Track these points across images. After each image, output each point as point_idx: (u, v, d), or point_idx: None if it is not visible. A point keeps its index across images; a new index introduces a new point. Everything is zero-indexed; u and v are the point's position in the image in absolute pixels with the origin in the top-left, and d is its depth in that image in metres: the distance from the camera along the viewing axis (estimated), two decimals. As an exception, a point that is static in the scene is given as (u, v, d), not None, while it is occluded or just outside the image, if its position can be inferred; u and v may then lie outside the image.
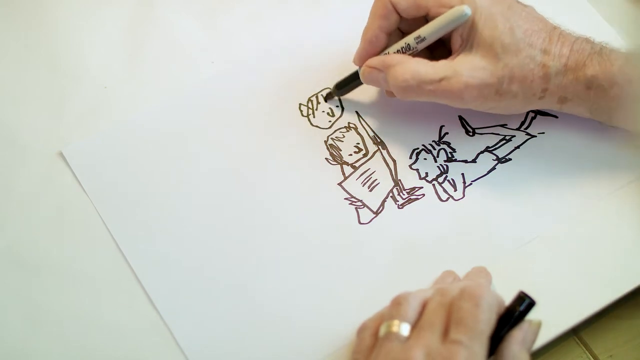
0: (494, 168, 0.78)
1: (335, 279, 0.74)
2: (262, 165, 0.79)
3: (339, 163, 0.79)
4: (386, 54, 0.77)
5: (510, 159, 0.78)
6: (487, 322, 0.63)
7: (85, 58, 0.84)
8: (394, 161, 0.79)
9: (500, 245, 0.75)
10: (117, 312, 0.73)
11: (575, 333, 0.73)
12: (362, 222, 0.76)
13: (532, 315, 0.65)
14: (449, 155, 0.79)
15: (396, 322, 0.65)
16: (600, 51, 0.73)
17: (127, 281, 0.74)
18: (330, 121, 0.81)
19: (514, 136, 0.79)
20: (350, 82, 0.80)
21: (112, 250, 0.76)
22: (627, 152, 0.77)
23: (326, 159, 0.79)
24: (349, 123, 0.81)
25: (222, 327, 0.73)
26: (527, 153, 0.78)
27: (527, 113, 0.80)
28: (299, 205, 0.77)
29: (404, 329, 0.65)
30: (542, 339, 0.70)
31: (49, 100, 0.82)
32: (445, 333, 0.64)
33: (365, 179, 0.78)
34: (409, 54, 0.76)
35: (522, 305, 0.65)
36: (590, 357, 0.73)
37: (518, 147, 0.79)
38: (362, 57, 0.77)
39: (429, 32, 0.75)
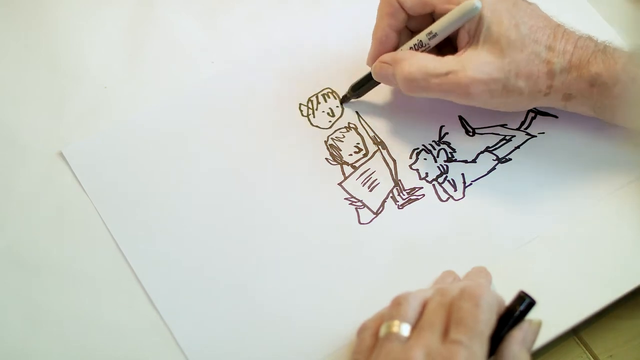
0: (494, 168, 0.78)
1: (335, 279, 0.74)
2: (262, 165, 0.79)
3: (339, 163, 0.79)
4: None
5: (510, 159, 0.78)
6: (487, 322, 0.63)
7: (85, 58, 0.84)
8: (394, 161, 0.79)
9: (500, 245, 0.75)
10: (117, 312, 0.73)
11: (575, 333, 0.73)
12: (362, 222, 0.76)
13: (532, 315, 0.65)
14: (449, 155, 0.79)
15: (396, 322, 0.65)
16: (604, 49, 0.74)
17: (127, 281, 0.74)
18: (330, 121, 0.81)
19: (514, 136, 0.79)
20: (365, 82, 0.80)
21: (112, 250, 0.76)
22: (628, 150, 0.77)
23: (326, 159, 0.79)
24: (349, 123, 0.81)
25: (222, 327, 0.73)
26: (527, 153, 0.78)
27: (527, 113, 0.80)
28: (299, 205, 0.77)
29: (404, 329, 0.65)
30: (542, 339, 0.70)
31: (49, 100, 0.82)
32: (446, 333, 0.64)
33: (365, 179, 0.78)
34: (422, 51, 0.76)
35: (522, 305, 0.65)
36: (590, 357, 0.73)
37: (518, 147, 0.79)
38: (374, 56, 0.78)
39: (440, 27, 0.75)
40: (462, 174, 0.78)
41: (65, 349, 0.72)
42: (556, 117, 0.79)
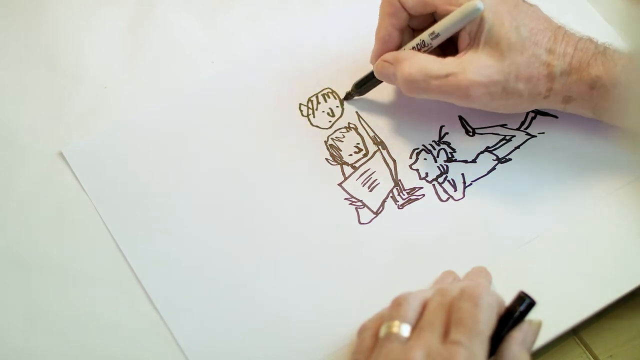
0: (494, 168, 0.78)
1: (335, 279, 0.74)
2: (262, 165, 0.79)
3: (339, 163, 0.79)
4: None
5: (510, 159, 0.78)
6: (487, 322, 0.63)
7: (85, 58, 0.84)
8: (394, 161, 0.79)
9: (500, 245, 0.75)
10: (117, 312, 0.73)
11: (575, 333, 0.73)
12: (362, 222, 0.76)
13: (532, 315, 0.65)
14: (449, 155, 0.79)
15: (396, 322, 0.65)
16: (604, 51, 0.74)
17: (127, 281, 0.74)
18: (330, 121, 0.81)
19: (514, 136, 0.79)
20: (368, 80, 0.80)
21: (112, 250, 0.76)
22: (627, 152, 0.77)
23: (326, 159, 0.79)
24: (349, 123, 0.81)
25: (222, 327, 0.73)
26: (527, 153, 0.78)
27: (527, 113, 0.80)
28: (299, 205, 0.77)
29: (404, 330, 0.65)
30: (542, 339, 0.70)
31: (49, 100, 0.82)
32: (446, 333, 0.64)
33: (365, 179, 0.78)
34: (424, 51, 0.76)
35: (522, 306, 0.65)
36: (590, 357, 0.73)
37: (518, 147, 0.79)
38: (377, 55, 0.78)
39: (443, 28, 0.75)
40: (462, 174, 0.78)
41: (65, 349, 0.72)
42: (556, 117, 0.79)
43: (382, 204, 0.77)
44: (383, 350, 0.65)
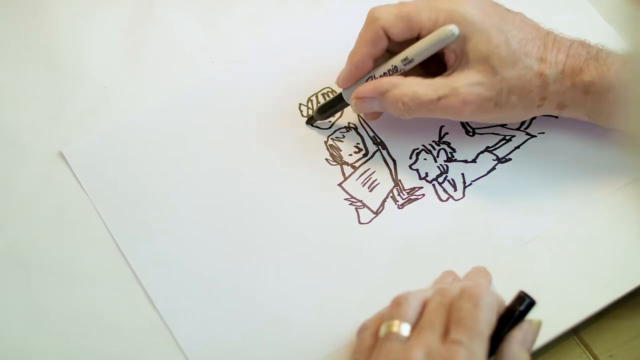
0: (494, 168, 0.78)
1: (335, 279, 0.74)
2: (262, 165, 0.79)
3: (339, 163, 0.79)
4: (372, 77, 0.76)
5: (510, 159, 0.78)
6: (486, 322, 0.63)
7: (85, 58, 0.84)
8: (394, 161, 0.79)
9: (500, 245, 0.75)
10: (117, 312, 0.73)
11: (575, 333, 0.73)
12: (362, 222, 0.76)
13: (532, 315, 0.65)
14: (449, 155, 0.79)
15: (396, 322, 0.65)
16: (596, 55, 0.73)
17: (127, 281, 0.74)
18: (330, 121, 0.81)
19: (514, 136, 0.79)
20: (335, 105, 0.79)
21: (112, 250, 0.76)
22: (626, 154, 0.77)
23: (326, 159, 0.79)
24: (349, 123, 0.81)
25: (222, 327, 0.73)
26: (527, 153, 0.78)
27: (527, 113, 0.80)
28: (299, 206, 0.77)
29: (404, 329, 0.65)
30: (542, 339, 0.70)
31: (49, 100, 0.82)
32: (446, 333, 0.64)
33: (365, 179, 0.78)
34: (397, 75, 0.75)
35: (522, 305, 0.65)
36: (590, 357, 0.73)
37: (518, 147, 0.79)
38: (347, 80, 0.76)
39: (416, 53, 0.74)
40: (462, 174, 0.78)
41: (65, 349, 0.72)
42: (556, 117, 0.79)
43: (382, 204, 0.77)
44: (383, 350, 0.65)
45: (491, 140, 0.79)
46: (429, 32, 0.73)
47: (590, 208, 0.76)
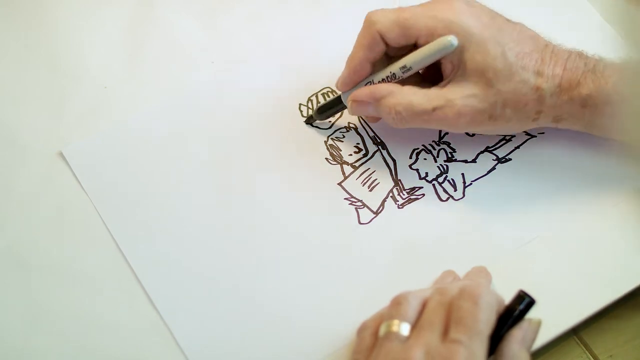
0: (494, 168, 0.78)
1: (335, 279, 0.74)
2: (262, 165, 0.79)
3: (339, 163, 0.79)
4: (370, 82, 0.76)
5: (510, 159, 0.78)
6: (486, 321, 0.63)
7: (85, 58, 0.84)
8: (394, 161, 0.79)
9: (500, 245, 0.75)
10: (117, 312, 0.73)
11: (575, 333, 0.73)
12: (362, 222, 0.76)
13: (532, 314, 0.65)
14: (449, 155, 0.79)
15: (396, 321, 0.65)
16: (593, 68, 0.73)
17: (127, 281, 0.74)
18: (330, 121, 0.81)
19: (514, 136, 0.79)
20: (333, 106, 0.79)
21: (112, 250, 0.76)
22: (625, 163, 0.77)
23: (326, 159, 0.79)
24: (349, 123, 0.81)
25: (222, 327, 0.73)
26: (527, 153, 0.78)
27: (527, 113, 0.79)
28: (299, 205, 0.77)
29: (404, 329, 0.65)
30: (542, 339, 0.70)
31: (49, 100, 0.82)
32: (445, 332, 0.64)
33: (365, 179, 0.78)
34: (394, 82, 0.75)
35: (521, 304, 0.65)
36: (590, 357, 0.73)
37: (518, 147, 0.79)
38: (346, 83, 0.77)
39: (414, 61, 0.74)
40: (462, 174, 0.78)
41: (65, 349, 0.72)
42: (553, 124, 0.79)
43: (382, 204, 0.77)
44: (383, 350, 0.65)
45: (491, 140, 0.79)
46: (426, 41, 0.73)
47: (591, 208, 0.76)
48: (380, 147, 0.79)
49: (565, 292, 0.73)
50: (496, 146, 0.79)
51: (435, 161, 0.79)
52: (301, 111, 0.81)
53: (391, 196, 0.77)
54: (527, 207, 0.76)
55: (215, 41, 0.84)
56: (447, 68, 0.74)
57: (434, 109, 0.73)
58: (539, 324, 0.66)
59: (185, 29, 0.85)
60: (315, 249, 0.75)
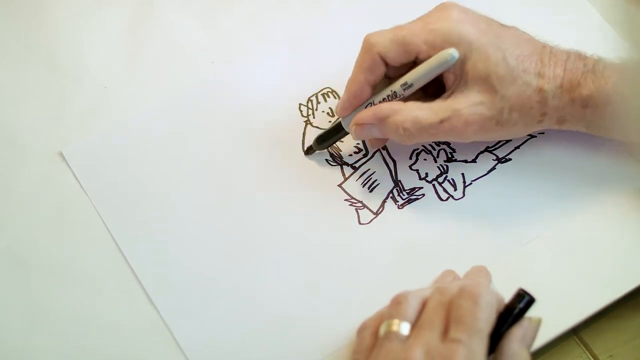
0: (494, 168, 0.78)
1: (335, 279, 0.74)
2: (262, 165, 0.79)
3: (339, 164, 0.79)
4: (371, 103, 0.75)
5: (510, 159, 0.78)
6: (486, 320, 0.63)
7: (85, 58, 0.84)
8: (394, 161, 0.79)
9: (500, 245, 0.75)
10: (117, 312, 0.73)
11: (575, 333, 0.73)
12: (362, 222, 0.76)
13: (532, 313, 0.65)
14: (449, 156, 0.79)
15: (396, 321, 0.65)
16: (593, 68, 0.73)
17: (127, 281, 0.74)
18: (330, 121, 0.81)
19: (514, 136, 0.79)
20: (334, 134, 0.78)
21: (112, 250, 0.76)
22: (625, 163, 0.77)
23: (326, 159, 0.79)
24: (349, 123, 0.81)
25: (222, 327, 0.73)
26: (527, 153, 0.78)
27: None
28: (299, 206, 0.77)
29: (404, 328, 0.65)
30: (542, 338, 0.70)
31: (49, 100, 0.82)
32: (445, 332, 0.64)
33: (365, 179, 0.78)
34: (396, 101, 0.74)
35: (521, 303, 0.65)
36: (590, 357, 0.73)
37: (518, 147, 0.79)
38: (346, 108, 0.76)
39: (415, 78, 0.73)
40: (462, 174, 0.78)
41: (65, 349, 0.72)
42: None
43: (382, 204, 0.77)
44: (383, 349, 0.65)
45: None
46: (427, 55, 0.72)
47: (590, 207, 0.76)
48: (380, 147, 0.79)
49: (565, 292, 0.73)
50: (496, 146, 0.79)
51: (435, 161, 0.78)
52: (301, 111, 0.81)
53: (391, 197, 0.77)
54: (527, 207, 0.76)
55: (215, 41, 0.84)
56: (449, 79, 0.73)
57: (442, 121, 0.72)
58: (539, 322, 0.66)
59: (185, 29, 0.85)
60: (315, 249, 0.75)
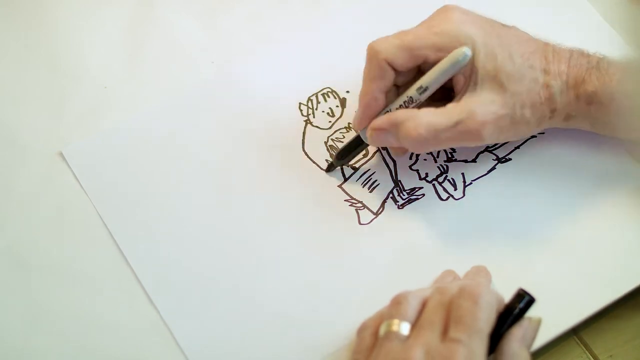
0: (494, 168, 0.78)
1: (335, 279, 0.74)
2: (262, 165, 0.79)
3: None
4: (388, 111, 0.74)
5: (510, 159, 0.78)
6: (486, 320, 0.64)
7: (85, 58, 0.84)
8: (394, 162, 0.79)
9: (500, 245, 0.75)
10: (117, 312, 0.73)
11: (575, 333, 0.73)
12: (362, 222, 0.76)
13: (532, 313, 0.65)
14: (449, 155, 0.79)
15: (396, 321, 0.65)
16: (597, 65, 0.73)
17: (127, 281, 0.74)
18: (330, 121, 0.81)
19: (514, 136, 0.79)
20: (353, 149, 0.77)
21: (112, 250, 0.76)
22: (626, 161, 0.77)
23: (326, 160, 0.79)
24: (348, 123, 0.81)
25: (222, 327, 0.73)
26: (527, 153, 0.78)
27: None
28: (299, 206, 0.77)
29: (404, 328, 0.65)
30: (542, 338, 0.70)
31: (49, 100, 0.82)
32: (445, 332, 0.64)
33: (365, 179, 0.78)
34: (413, 107, 0.73)
35: (521, 303, 0.65)
36: (590, 357, 0.73)
37: (518, 147, 0.79)
38: (363, 120, 0.75)
39: (431, 80, 0.72)
40: (462, 174, 0.78)
41: (65, 349, 0.72)
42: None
43: (382, 205, 0.77)
44: (383, 349, 0.65)
45: (491, 140, 0.79)
46: (436, 58, 0.72)
47: (591, 207, 0.76)
48: (380, 148, 0.79)
49: (565, 292, 0.73)
50: (496, 146, 0.79)
51: (435, 161, 0.78)
52: (301, 111, 0.81)
53: (391, 197, 0.77)
54: (527, 207, 0.76)
55: (215, 41, 0.84)
56: (459, 81, 0.73)
57: (456, 124, 0.71)
58: (539, 322, 0.66)
59: (185, 29, 0.85)
60: (315, 249, 0.75)
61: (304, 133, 0.80)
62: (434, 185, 0.77)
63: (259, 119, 0.80)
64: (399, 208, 0.77)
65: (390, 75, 0.73)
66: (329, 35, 0.84)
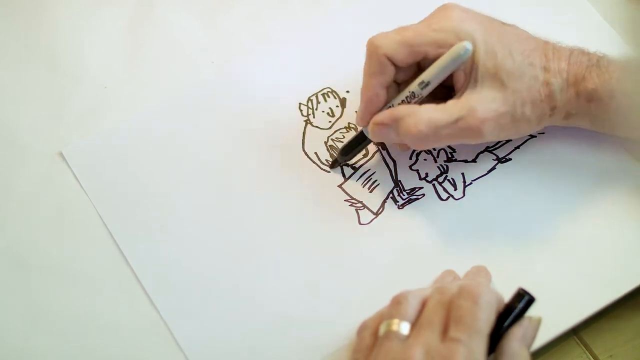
0: (494, 168, 0.78)
1: (335, 279, 0.74)
2: (262, 165, 0.79)
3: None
4: (390, 106, 0.74)
5: (510, 159, 0.78)
6: (486, 320, 0.64)
7: (85, 58, 0.84)
8: (394, 162, 0.79)
9: (500, 245, 0.75)
10: (117, 312, 0.73)
11: (575, 333, 0.73)
12: (362, 222, 0.76)
13: (531, 313, 0.65)
14: (449, 156, 0.79)
15: (396, 321, 0.65)
16: (597, 63, 0.73)
17: (127, 281, 0.74)
18: (330, 121, 0.81)
19: (514, 136, 0.79)
20: (356, 145, 0.78)
21: (112, 250, 0.76)
22: (625, 161, 0.77)
23: (326, 160, 0.79)
24: (349, 123, 0.81)
25: (222, 327, 0.73)
26: (527, 153, 0.78)
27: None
28: (299, 206, 0.77)
29: (404, 328, 0.65)
30: (542, 338, 0.70)
31: (49, 100, 0.82)
32: (445, 331, 0.64)
33: (365, 179, 0.78)
34: (415, 102, 0.74)
35: (521, 302, 0.65)
36: (590, 357, 0.73)
37: (518, 147, 0.79)
38: (365, 116, 0.75)
39: (432, 75, 0.72)
40: (462, 174, 0.78)
41: (65, 349, 0.72)
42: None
43: (382, 205, 0.77)
44: (382, 349, 0.65)
45: (491, 140, 0.79)
46: (436, 54, 0.72)
47: (591, 207, 0.76)
48: (380, 147, 0.79)
49: (565, 292, 0.73)
50: (496, 146, 0.79)
51: (435, 161, 0.78)
52: (301, 111, 0.81)
53: (391, 197, 0.77)
54: (527, 207, 0.76)
55: (215, 41, 0.84)
56: (459, 78, 0.73)
57: (457, 120, 0.71)
58: (539, 321, 0.66)
59: (185, 29, 0.85)
60: (315, 249, 0.75)
61: (304, 133, 0.80)
62: (434, 185, 0.77)
63: (259, 119, 0.81)
64: (399, 208, 0.77)
65: (390, 71, 0.73)
66: (329, 35, 0.84)
